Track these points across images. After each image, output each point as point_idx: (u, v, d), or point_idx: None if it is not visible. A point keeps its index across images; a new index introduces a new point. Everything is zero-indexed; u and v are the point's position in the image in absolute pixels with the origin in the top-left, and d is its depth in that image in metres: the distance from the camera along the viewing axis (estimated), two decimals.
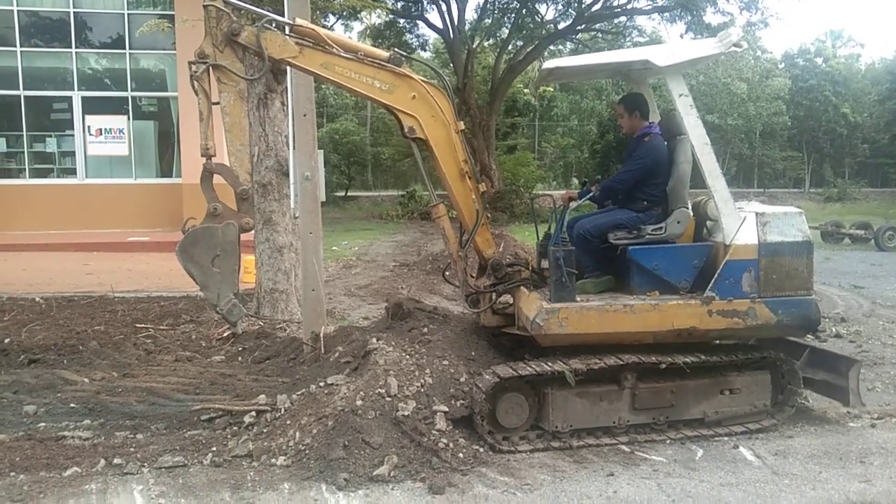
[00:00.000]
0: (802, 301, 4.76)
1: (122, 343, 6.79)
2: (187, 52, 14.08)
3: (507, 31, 26.21)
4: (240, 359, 6.37)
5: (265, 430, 4.48)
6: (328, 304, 8.43)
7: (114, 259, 11.94)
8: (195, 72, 4.61)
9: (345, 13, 26.18)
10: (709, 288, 4.67)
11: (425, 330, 5.10)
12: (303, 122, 5.80)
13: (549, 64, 5.26)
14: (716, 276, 4.66)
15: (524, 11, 25.07)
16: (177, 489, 3.86)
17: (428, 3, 26.39)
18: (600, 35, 27.63)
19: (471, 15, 26.97)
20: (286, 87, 7.18)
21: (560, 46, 28.58)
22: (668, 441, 4.61)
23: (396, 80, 4.91)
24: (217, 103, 4.65)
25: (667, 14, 23.88)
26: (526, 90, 34.73)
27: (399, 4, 26.62)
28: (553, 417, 4.52)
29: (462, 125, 5.12)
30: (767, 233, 4.71)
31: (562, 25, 25.48)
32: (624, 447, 4.52)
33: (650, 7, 24.21)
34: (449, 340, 5.07)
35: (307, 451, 4.10)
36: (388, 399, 4.29)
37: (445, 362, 4.73)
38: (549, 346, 4.69)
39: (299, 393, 4.69)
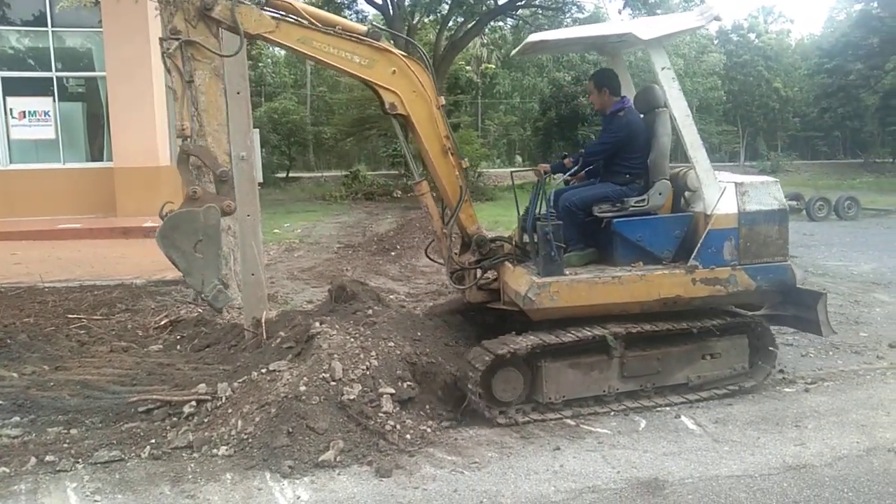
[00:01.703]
0: (779, 267, 4.96)
1: (53, 335, 6.49)
2: (114, 29, 13.46)
3: (447, 7, 25.96)
4: (178, 347, 6.18)
5: (206, 420, 4.36)
6: (270, 288, 8.24)
7: (43, 247, 11.41)
8: (167, 49, 4.37)
9: None
10: (692, 257, 4.82)
11: (370, 312, 5.04)
12: (236, 100, 5.59)
13: (535, 37, 5.25)
14: (699, 245, 4.82)
15: None
16: (113, 484, 3.72)
17: None
18: (540, 11, 27.65)
19: None
20: None
21: (500, 23, 28.52)
22: (612, 413, 4.68)
23: (376, 54, 4.84)
24: (191, 81, 4.41)
25: None
26: (468, 67, 34.57)
27: None
28: (547, 389, 4.60)
29: (443, 100, 5.09)
30: (746, 202, 4.87)
31: (502, 1, 25.38)
32: (569, 421, 4.57)
33: None
34: (394, 321, 5.03)
35: (250, 440, 4.01)
36: (333, 383, 4.21)
37: (391, 344, 4.68)
38: (540, 319, 4.74)
39: (241, 380, 4.57)
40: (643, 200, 5.02)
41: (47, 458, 3.95)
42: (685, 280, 4.79)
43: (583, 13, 28.65)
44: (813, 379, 5.31)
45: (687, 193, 5.15)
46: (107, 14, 13.04)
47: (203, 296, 4.55)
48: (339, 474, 3.78)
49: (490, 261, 5.27)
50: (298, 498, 3.57)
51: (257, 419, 4.10)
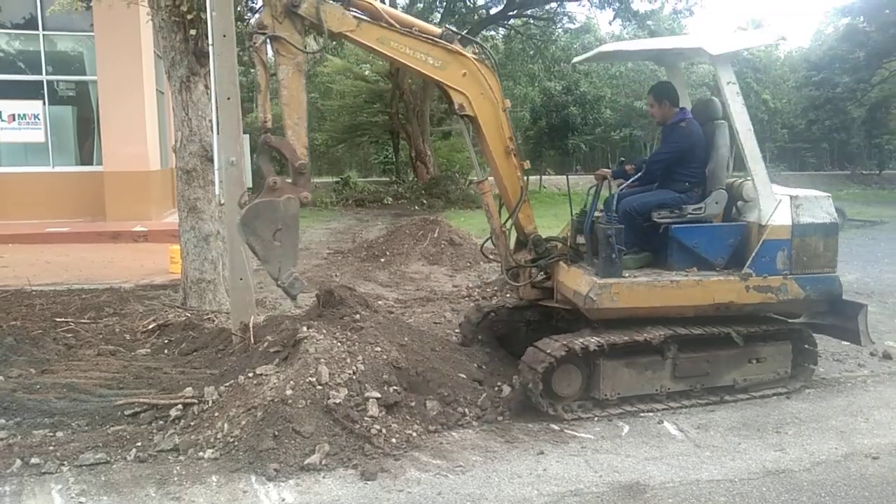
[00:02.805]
0: (828, 278, 5.17)
1: (40, 338, 6.47)
2: (106, 33, 13.43)
3: (439, 16, 26.11)
4: (166, 351, 6.18)
5: (192, 423, 4.37)
6: (258, 293, 8.26)
7: (31, 251, 11.37)
8: (254, 43, 4.56)
9: None
10: (747, 265, 5.00)
11: (357, 316, 5.07)
12: (227, 106, 5.63)
13: (608, 47, 5.56)
14: (753, 254, 5.00)
15: None
16: (99, 487, 3.73)
17: None
18: (532, 21, 27.86)
19: None
20: (209, 70, 6.96)
21: (492, 32, 28.68)
22: (595, 419, 4.73)
23: (449, 56, 5.00)
24: (274, 75, 4.61)
25: (596, 0, 24.29)
26: None
27: None
28: (603, 386, 4.77)
29: (508, 103, 5.25)
30: (800, 215, 5.08)
31: (493, 11, 25.58)
32: (554, 426, 4.61)
33: None
34: (381, 326, 5.07)
35: (236, 443, 4.03)
36: (319, 387, 4.24)
37: (378, 348, 4.72)
38: (598, 319, 4.91)
39: (227, 384, 4.59)
40: (700, 208, 5.22)
41: (32, 460, 3.95)
42: (739, 287, 4.97)
43: (574, 23, 28.93)
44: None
45: (739, 203, 5.36)
46: (98, 18, 13.05)
47: (280, 283, 4.70)
48: (324, 477, 3.81)
49: (546, 260, 5.41)
50: (283, 500, 3.59)
51: (243, 422, 4.12)
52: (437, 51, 4.98)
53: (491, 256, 6.08)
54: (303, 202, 4.65)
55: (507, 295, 8.29)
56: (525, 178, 5.40)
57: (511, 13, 25.94)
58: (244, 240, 4.64)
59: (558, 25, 28.30)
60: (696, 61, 6.15)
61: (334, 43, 5.08)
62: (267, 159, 4.70)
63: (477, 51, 5.16)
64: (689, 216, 5.18)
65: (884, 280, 9.53)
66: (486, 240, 5.78)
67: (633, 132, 36.66)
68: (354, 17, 4.79)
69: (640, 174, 5.39)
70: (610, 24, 27.41)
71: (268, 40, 4.60)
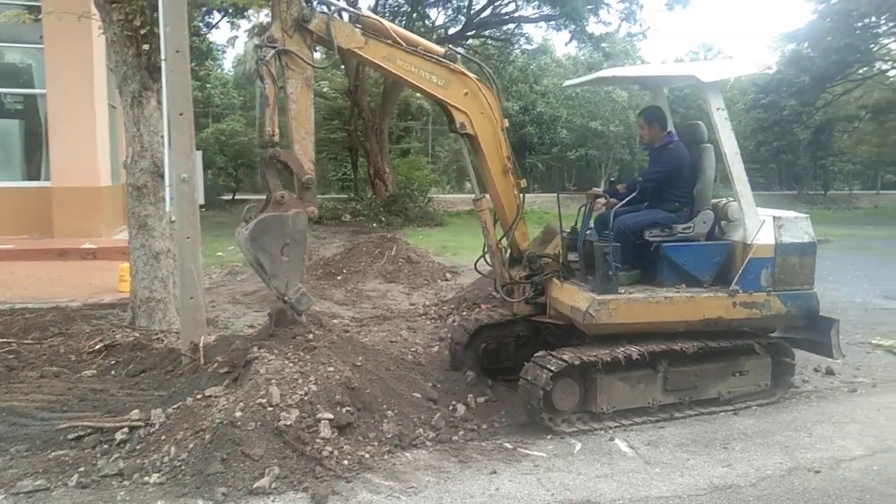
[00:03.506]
0: (807, 294, 5.44)
1: None
2: (56, 46, 13.15)
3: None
4: (113, 372, 6.01)
5: (138, 447, 4.26)
6: (210, 312, 8.12)
7: None
8: (263, 56, 4.56)
9: (230, 10, 25.38)
10: (734, 282, 5.23)
11: (310, 336, 5.01)
12: (179, 122, 5.55)
13: (607, 73, 5.82)
14: (740, 271, 5.23)
15: (415, 15, 25.21)
16: None
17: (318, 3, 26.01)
18: (490, 42, 28.20)
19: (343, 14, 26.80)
20: (162, 85, 6.87)
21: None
22: (548, 437, 4.76)
23: (452, 76, 5.14)
24: (283, 88, 4.62)
25: (553, 22, 24.70)
26: (418, 94, 34.90)
27: None
28: (600, 400, 4.93)
29: (506, 122, 5.40)
30: (782, 234, 5.37)
31: (452, 31, 25.80)
32: (507, 444, 4.63)
33: (537, 15, 24.93)
34: (335, 346, 5.02)
35: (183, 467, 3.94)
36: (270, 409, 4.18)
37: (331, 368, 4.67)
38: (596, 334, 5.05)
39: (175, 406, 4.49)
40: (689, 227, 5.44)
41: None
42: (727, 303, 5.20)
43: (531, 45, 29.36)
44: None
45: (723, 223, 5.57)
46: (48, 31, 12.73)
47: (287, 298, 4.71)
48: (273, 501, 3.74)
49: (540, 276, 5.54)
50: None
51: (191, 446, 4.03)
52: (441, 70, 5.11)
53: (484, 273, 6.19)
54: (310, 217, 4.69)
55: (463, 312, 8.32)
56: (521, 195, 5.53)
57: (469, 34, 26.20)
58: (251, 255, 4.62)
59: (515, 46, 28.68)
60: (679, 87, 6.39)
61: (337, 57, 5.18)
62: (273, 173, 4.69)
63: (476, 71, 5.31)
64: (678, 235, 5.40)
65: (828, 297, 9.80)
66: (480, 257, 5.91)
67: (588, 152, 37.23)
68: (363, 34, 4.89)
69: (633, 194, 5.54)
70: (566, 45, 27.95)
71: (277, 54, 4.63)
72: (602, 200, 5.56)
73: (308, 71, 4.73)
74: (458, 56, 5.22)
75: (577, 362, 4.79)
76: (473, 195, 5.82)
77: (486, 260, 5.82)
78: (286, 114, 4.75)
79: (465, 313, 8.27)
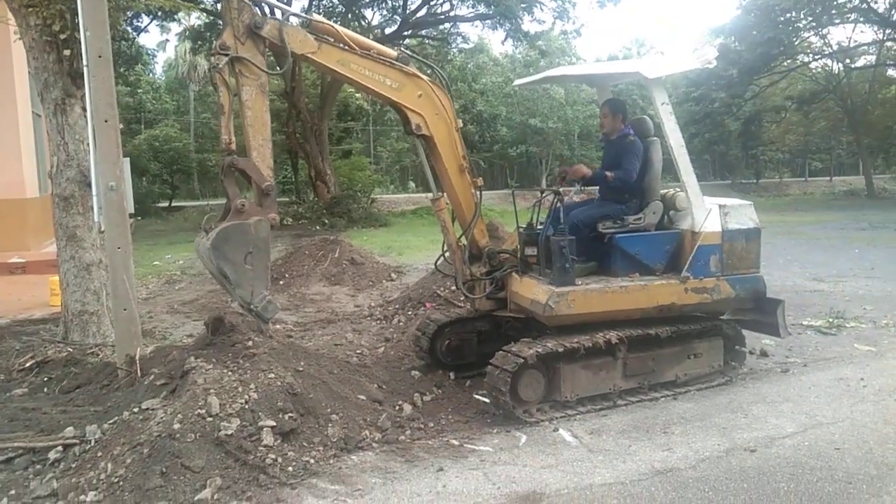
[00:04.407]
0: (754, 278, 5.66)
1: None
2: None
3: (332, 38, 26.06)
4: (45, 390, 5.78)
5: (73, 466, 4.11)
6: (148, 323, 7.91)
7: None
8: (216, 64, 4.50)
9: (160, 14, 24.73)
10: (685, 269, 5.40)
11: (249, 343, 4.92)
12: (104, 129, 5.38)
13: (555, 71, 6.01)
14: (690, 258, 5.41)
15: (350, 16, 25.05)
16: None
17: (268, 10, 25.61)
18: (427, 41, 28.23)
19: (294, 19, 26.49)
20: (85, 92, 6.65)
21: None
22: (494, 431, 4.80)
23: (405, 78, 5.16)
24: (237, 95, 4.56)
25: (488, 21, 24.90)
26: (358, 95, 34.71)
27: (218, 5, 25.55)
28: (564, 388, 5.05)
29: (461, 122, 5.44)
30: (728, 221, 5.54)
31: (388, 31, 25.74)
32: (454, 440, 4.64)
33: (472, 14, 25.11)
34: (275, 352, 4.94)
35: (121, 483, 3.81)
36: (210, 419, 4.08)
37: (272, 375, 4.58)
38: (556, 325, 5.15)
39: (111, 421, 4.36)
40: (640, 218, 5.60)
41: None
42: (679, 289, 5.38)
43: (468, 43, 29.53)
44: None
45: (672, 212, 5.72)
46: None
47: (252, 306, 4.64)
48: None
49: (500, 272, 5.66)
50: None
51: (128, 461, 3.91)
52: (394, 73, 5.14)
53: (445, 272, 6.30)
54: (272, 223, 4.64)
55: (409, 311, 8.31)
56: (478, 193, 5.60)
57: (406, 33, 26.18)
58: (214, 265, 4.54)
59: (453, 46, 28.83)
60: (622, 84, 6.68)
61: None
62: (232, 181, 4.64)
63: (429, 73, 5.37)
64: (630, 226, 5.56)
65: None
66: (440, 256, 6.00)
67: (528, 149, 37.70)
68: (316, 39, 4.86)
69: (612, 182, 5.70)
70: (502, 43, 28.18)
71: (230, 61, 4.58)
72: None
73: (262, 77, 4.69)
74: (411, 59, 5.25)
75: (561, 349, 4.94)
76: (431, 195, 5.88)
77: (445, 258, 5.90)
78: (242, 121, 4.68)
79: (409, 313, 8.26)
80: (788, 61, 34.74)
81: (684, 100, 39.32)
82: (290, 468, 4.06)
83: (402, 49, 5.35)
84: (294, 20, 5.13)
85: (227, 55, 4.56)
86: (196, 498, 3.70)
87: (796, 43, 33.02)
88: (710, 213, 5.50)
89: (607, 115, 5.95)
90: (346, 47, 5.00)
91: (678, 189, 5.76)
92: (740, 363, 5.85)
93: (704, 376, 5.63)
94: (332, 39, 5.02)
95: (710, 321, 5.67)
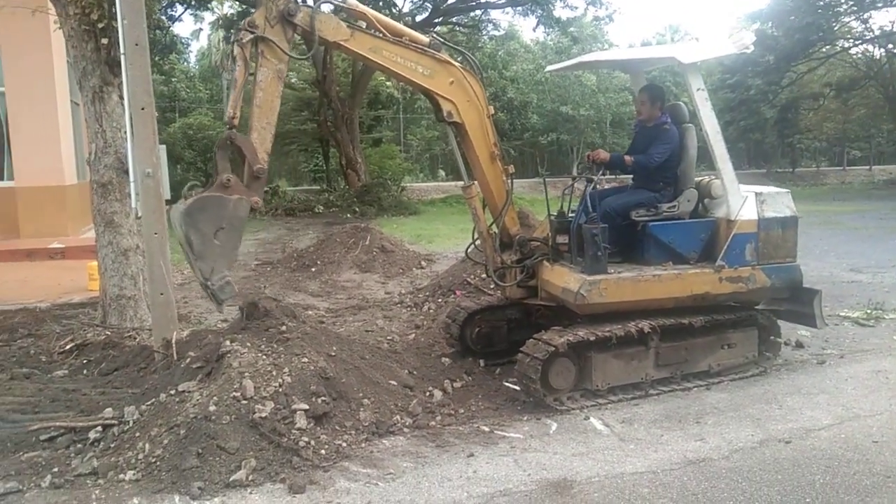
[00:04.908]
0: (790, 267, 5.57)
1: None
2: (12, 42, 12.80)
3: (364, 23, 26.08)
4: (85, 372, 5.94)
5: (112, 445, 4.22)
6: (183, 308, 8.05)
7: None
8: (241, 38, 4.49)
9: (193, 2, 25.00)
10: (719, 258, 5.33)
11: (283, 328, 4.99)
12: (141, 116, 5.46)
13: (588, 57, 5.97)
14: (725, 247, 5.33)
15: (381, 3, 25.01)
16: None
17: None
18: (458, 28, 28.11)
19: (327, 5, 26.57)
20: (122, 80, 6.75)
21: None
22: (525, 418, 4.80)
23: (437, 65, 5.13)
24: (253, 75, 4.57)
25: (520, 8, 24.70)
26: (388, 83, 34.71)
27: None
28: (595, 377, 5.03)
29: (492, 109, 5.40)
30: (765, 210, 5.46)
31: (419, 18, 25.67)
32: (484, 427, 4.66)
33: (504, 1, 24.92)
34: (308, 337, 5.01)
35: (158, 463, 3.91)
36: (244, 402, 4.16)
37: (305, 359, 4.65)
38: (587, 314, 5.12)
39: (149, 403, 4.45)
40: (674, 206, 5.52)
41: None
42: (714, 278, 5.31)
43: (499, 31, 29.33)
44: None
45: (707, 200, 5.65)
46: (3, 27, 12.44)
47: (209, 283, 4.52)
48: (251, 493, 3.73)
49: (531, 260, 5.63)
50: None
51: (165, 441, 4.00)
52: (426, 59, 5.11)
53: (476, 259, 6.28)
54: (253, 207, 4.58)
55: (439, 299, 8.33)
56: (510, 181, 5.56)
57: (437, 20, 26.09)
58: (182, 231, 4.43)
59: (483, 33, 28.65)
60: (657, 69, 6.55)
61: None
62: (224, 155, 4.59)
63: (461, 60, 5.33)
64: (664, 214, 5.48)
65: None
66: (471, 244, 5.96)
67: (559, 136, 37.36)
68: (349, 26, 4.86)
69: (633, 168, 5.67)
70: (534, 30, 27.96)
71: (255, 40, 4.57)
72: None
73: (282, 64, 4.67)
74: (443, 46, 5.21)
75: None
76: (462, 183, 5.84)
77: (476, 246, 5.88)
78: (251, 101, 4.68)
79: (439, 300, 8.28)
80: (827, 47, 33.83)
81: (719, 87, 38.56)
82: (323, 451, 4.12)
83: (434, 35, 5.31)
84: (326, 7, 5.13)
85: (253, 33, 4.54)
86: (231, 478, 3.78)
87: (836, 28, 32.13)
88: (745, 200, 5.42)
89: (645, 102, 5.85)
90: (379, 34, 4.99)
91: (713, 176, 5.67)
92: (775, 354, 5.76)
93: (738, 367, 5.56)
94: (364, 25, 5.01)
95: (745, 311, 5.59)
